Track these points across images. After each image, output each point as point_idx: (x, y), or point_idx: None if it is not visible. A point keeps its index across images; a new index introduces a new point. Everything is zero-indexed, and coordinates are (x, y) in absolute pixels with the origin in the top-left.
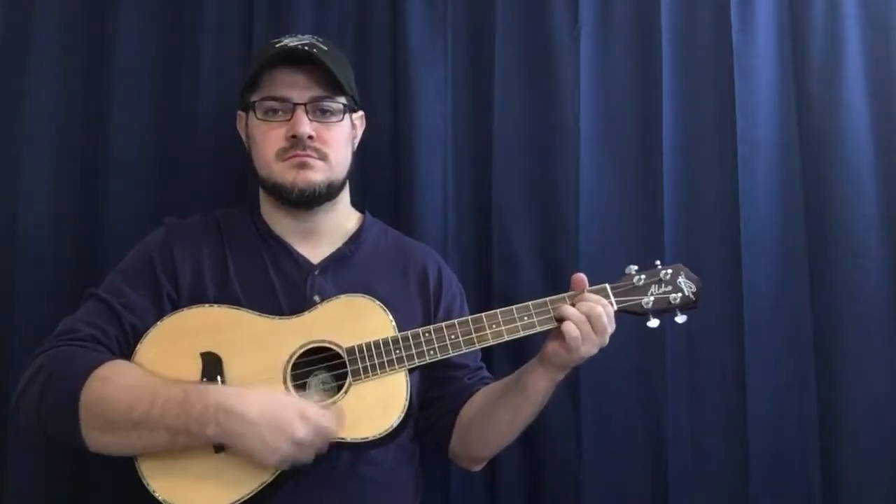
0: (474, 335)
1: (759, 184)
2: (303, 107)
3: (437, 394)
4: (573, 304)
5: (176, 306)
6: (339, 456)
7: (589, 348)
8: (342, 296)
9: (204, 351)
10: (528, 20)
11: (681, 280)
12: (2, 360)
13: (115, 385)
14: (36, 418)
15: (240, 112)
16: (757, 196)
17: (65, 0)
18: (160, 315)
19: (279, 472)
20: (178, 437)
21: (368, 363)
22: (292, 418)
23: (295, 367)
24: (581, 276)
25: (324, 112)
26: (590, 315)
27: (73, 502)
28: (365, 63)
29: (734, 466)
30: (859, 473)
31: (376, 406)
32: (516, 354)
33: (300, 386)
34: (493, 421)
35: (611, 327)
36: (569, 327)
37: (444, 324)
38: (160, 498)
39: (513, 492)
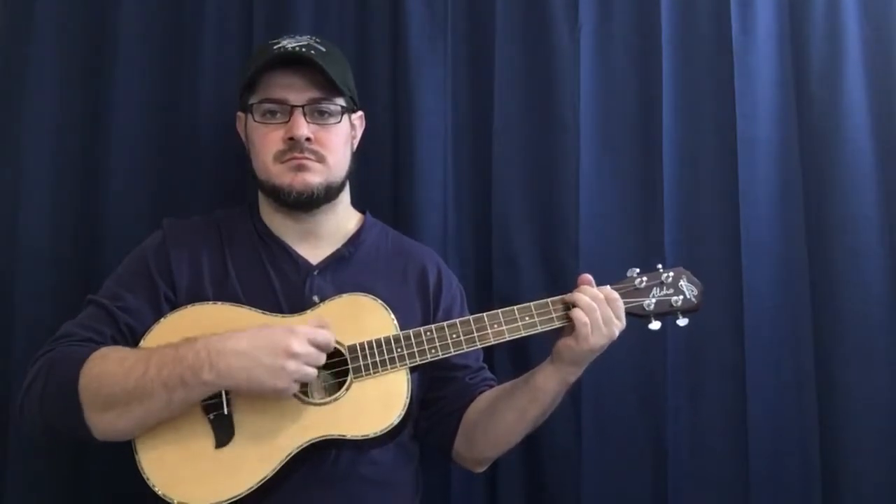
0: (476, 334)
1: (759, 184)
2: (300, 109)
3: (439, 394)
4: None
5: (174, 308)
6: (339, 456)
7: (598, 339)
8: (345, 294)
9: None
10: (528, 20)
11: (682, 283)
12: (2, 360)
13: (110, 361)
14: (39, 413)
15: (239, 113)
16: (757, 196)
17: (65, 0)
18: (158, 317)
19: (280, 467)
20: (176, 393)
21: (370, 361)
22: (282, 335)
23: None
24: (587, 277)
25: (322, 114)
26: (596, 300)
27: (74, 502)
28: (365, 63)
29: (734, 466)
30: (859, 473)
31: (377, 404)
32: (517, 355)
33: (301, 383)
34: (498, 421)
35: (620, 322)
36: (577, 314)
37: (445, 323)
38: (160, 493)
39: (513, 491)
